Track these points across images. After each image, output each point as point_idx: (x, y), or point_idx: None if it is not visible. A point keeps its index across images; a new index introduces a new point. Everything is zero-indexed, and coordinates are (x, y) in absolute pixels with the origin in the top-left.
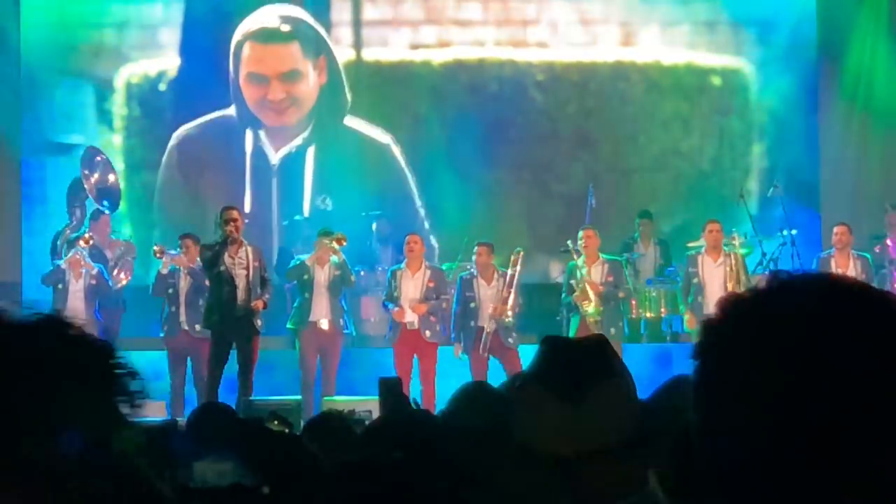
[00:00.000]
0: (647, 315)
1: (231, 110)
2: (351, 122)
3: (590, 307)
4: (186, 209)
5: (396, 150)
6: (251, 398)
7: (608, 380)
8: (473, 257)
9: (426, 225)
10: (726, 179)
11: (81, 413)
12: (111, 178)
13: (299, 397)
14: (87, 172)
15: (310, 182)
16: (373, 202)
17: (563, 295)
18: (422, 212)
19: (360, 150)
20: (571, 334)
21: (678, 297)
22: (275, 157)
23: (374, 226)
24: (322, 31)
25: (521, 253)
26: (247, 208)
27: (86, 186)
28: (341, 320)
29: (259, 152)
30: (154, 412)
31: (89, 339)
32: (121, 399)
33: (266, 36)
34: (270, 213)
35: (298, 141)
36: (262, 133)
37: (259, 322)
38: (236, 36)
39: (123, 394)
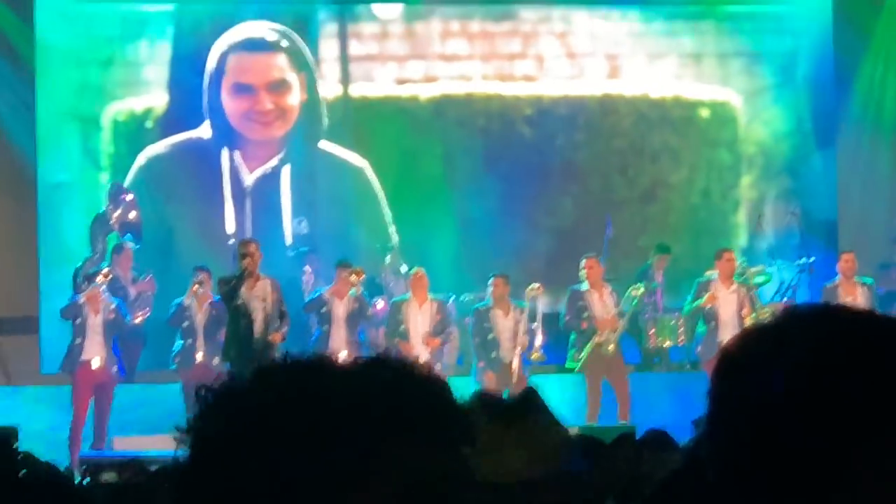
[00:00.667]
0: (666, 343)
1: (201, 131)
2: (325, 144)
3: (611, 342)
4: (156, 232)
5: (371, 174)
6: None
7: (534, 413)
8: (489, 289)
9: (397, 251)
10: (715, 211)
11: (425, 458)
12: (132, 214)
13: None
14: (111, 208)
15: (288, 204)
16: (348, 225)
17: (564, 319)
18: (395, 237)
19: (335, 173)
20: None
21: (685, 309)
22: (249, 179)
23: (387, 257)
24: (305, 47)
25: (540, 287)
26: (229, 229)
27: (111, 220)
28: (359, 353)
29: (233, 172)
30: (169, 445)
31: (426, 378)
32: (459, 440)
33: (253, 45)
34: (244, 235)
35: (274, 162)
36: (236, 153)
37: (277, 355)
38: (219, 48)
39: (462, 434)
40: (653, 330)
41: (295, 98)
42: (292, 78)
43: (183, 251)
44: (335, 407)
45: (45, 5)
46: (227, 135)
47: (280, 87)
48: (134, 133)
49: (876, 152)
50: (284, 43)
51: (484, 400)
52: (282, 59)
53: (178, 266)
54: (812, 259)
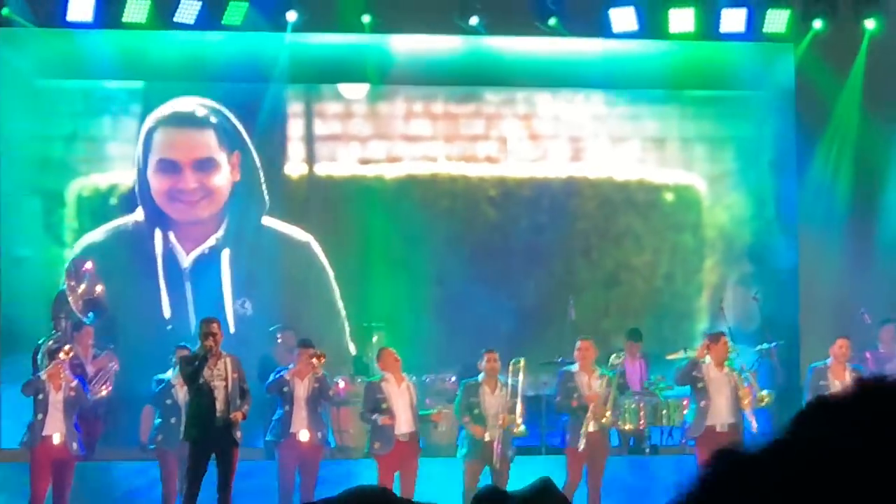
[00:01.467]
0: (627, 427)
1: (136, 214)
2: (268, 220)
3: (606, 419)
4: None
5: (317, 248)
6: None
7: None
8: (483, 363)
9: (346, 326)
10: (679, 295)
11: None
12: (98, 288)
13: None
14: (73, 284)
15: (228, 286)
16: (295, 305)
17: (556, 400)
18: (343, 312)
19: (278, 250)
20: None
21: (658, 390)
22: (186, 260)
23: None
24: (240, 125)
25: (523, 362)
26: (166, 314)
27: (70, 299)
28: (320, 433)
29: (169, 255)
30: None
31: None
32: None
33: (180, 120)
34: (187, 318)
35: (211, 241)
36: (171, 234)
37: (238, 433)
38: (147, 123)
39: None
40: (609, 411)
41: (223, 178)
42: (221, 157)
43: (122, 341)
44: None
45: (7, 80)
46: (158, 216)
47: (206, 165)
48: (98, 209)
49: (835, 237)
50: (214, 119)
51: (499, 494)
52: (210, 137)
53: (121, 355)
54: (773, 344)
